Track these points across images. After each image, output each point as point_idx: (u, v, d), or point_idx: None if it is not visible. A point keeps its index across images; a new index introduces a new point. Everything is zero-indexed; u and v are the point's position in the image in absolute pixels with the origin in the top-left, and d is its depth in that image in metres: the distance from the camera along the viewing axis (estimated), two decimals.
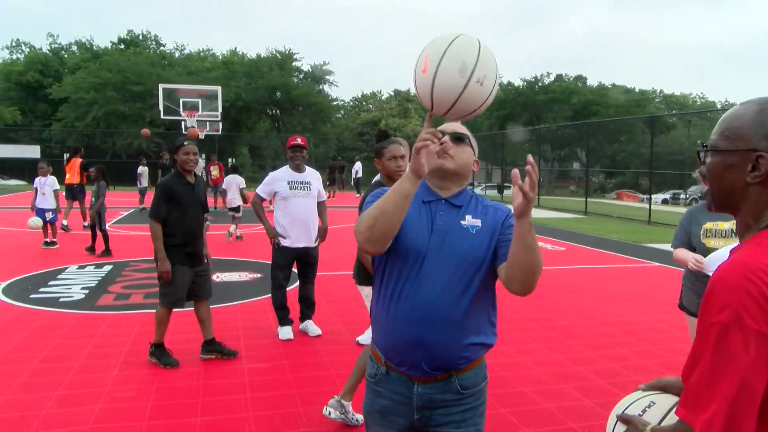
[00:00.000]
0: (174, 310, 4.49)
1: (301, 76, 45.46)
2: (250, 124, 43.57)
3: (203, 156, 23.34)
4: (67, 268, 8.18)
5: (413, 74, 1.67)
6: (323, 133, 43.94)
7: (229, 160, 31.82)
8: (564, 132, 42.08)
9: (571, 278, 8.34)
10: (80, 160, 12.21)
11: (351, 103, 56.65)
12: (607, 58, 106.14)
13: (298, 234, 5.12)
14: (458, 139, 1.86)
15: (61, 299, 6.38)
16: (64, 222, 10.41)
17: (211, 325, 4.66)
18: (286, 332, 5.15)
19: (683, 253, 3.37)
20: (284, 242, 5.11)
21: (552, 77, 50.31)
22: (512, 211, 1.75)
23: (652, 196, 19.43)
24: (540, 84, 49.02)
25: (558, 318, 6.06)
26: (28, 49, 50.72)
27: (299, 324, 5.37)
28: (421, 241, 1.80)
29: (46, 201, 9.92)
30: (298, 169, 5.21)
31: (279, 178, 5.17)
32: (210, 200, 18.99)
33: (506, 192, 30.80)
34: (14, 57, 50.48)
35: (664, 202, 30.55)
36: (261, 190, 5.22)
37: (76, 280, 7.36)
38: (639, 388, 1.51)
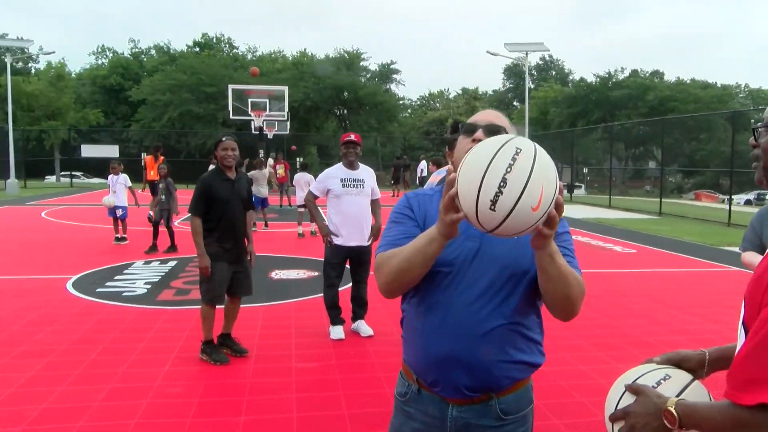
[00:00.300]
0: (217, 306, 4.50)
1: (368, 75, 45.74)
2: (318, 124, 44.18)
3: (272, 155, 23.88)
4: (133, 263, 8.44)
5: (507, 207, 1.26)
6: (389, 132, 44.04)
7: (298, 159, 32.40)
8: (638, 129, 40.43)
9: (640, 282, 7.91)
10: (162, 158, 12.85)
11: (418, 102, 56.56)
12: (686, 53, 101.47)
13: (351, 232, 5.04)
14: (493, 132, 1.58)
15: (124, 293, 6.56)
16: (150, 213, 10.74)
17: (233, 322, 4.68)
18: (337, 332, 5.09)
19: (752, 257, 3.03)
20: (336, 240, 5.05)
21: (627, 73, 48.53)
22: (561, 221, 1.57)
23: (735, 196, 18.34)
24: (614, 80, 47.35)
25: (623, 325, 5.73)
26: (111, 54, 53.31)
27: (351, 324, 5.29)
28: (455, 248, 1.59)
29: (118, 198, 10.26)
30: (351, 166, 5.13)
31: (332, 175, 5.11)
32: (276, 198, 19.39)
33: (576, 192, 29.91)
34: (99, 62, 53.16)
35: (748, 203, 28.84)
36: (314, 187, 5.17)
37: (141, 275, 7.57)
38: (652, 360, 1.39)
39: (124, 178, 10.41)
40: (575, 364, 4.56)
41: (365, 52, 47.04)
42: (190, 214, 4.39)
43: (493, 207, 1.25)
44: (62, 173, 38.67)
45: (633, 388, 1.27)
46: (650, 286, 7.68)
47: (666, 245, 11.61)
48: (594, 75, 52.02)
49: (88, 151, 32.55)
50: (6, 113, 26.50)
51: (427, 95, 57.02)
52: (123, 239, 10.34)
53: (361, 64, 44.73)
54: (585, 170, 38.02)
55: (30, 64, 49.53)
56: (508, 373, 1.60)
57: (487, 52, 25.71)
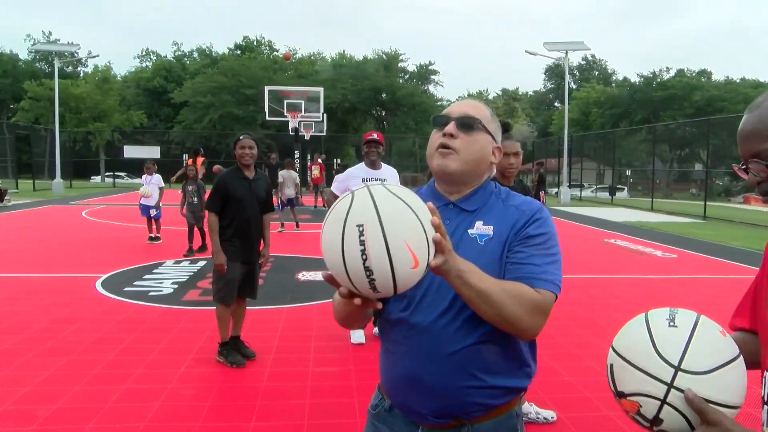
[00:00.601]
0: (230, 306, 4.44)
1: (406, 76, 45.65)
2: (356, 125, 44.30)
3: (309, 156, 24.06)
4: (164, 262, 8.50)
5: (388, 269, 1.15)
6: (427, 133, 43.67)
7: (335, 160, 32.51)
8: (684, 130, 39.26)
9: (679, 289, 7.57)
10: (202, 159, 13.02)
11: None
12: (736, 50, 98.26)
13: None
14: (465, 126, 1.45)
15: (150, 293, 6.58)
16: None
17: (241, 324, 4.62)
18: (357, 336, 4.97)
19: None
20: None
21: (672, 72, 47.21)
22: (538, 213, 1.44)
23: None
24: (659, 80, 46.12)
25: None
26: (155, 57, 54.56)
27: (373, 328, 5.17)
28: None
29: (151, 198, 10.34)
30: (374, 165, 5.01)
31: (353, 175, 5.00)
32: (311, 199, 19.44)
33: (619, 194, 29.18)
34: (143, 65, 54.49)
35: None
36: (335, 187, 5.07)
37: (169, 275, 7.61)
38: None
39: (157, 179, 10.56)
40: (604, 374, 4.33)
41: (404, 53, 46.96)
42: (206, 210, 4.39)
43: (375, 289, 1.16)
44: (106, 173, 39.72)
45: (698, 408, 1.03)
46: (689, 292, 7.34)
47: (709, 250, 11.14)
48: (638, 75, 50.82)
49: (131, 152, 33.31)
50: (57, 115, 27.32)
51: (465, 96, 56.63)
52: (156, 239, 10.46)
53: (400, 65, 44.66)
54: (628, 172, 37.12)
55: (78, 68, 51.05)
56: (480, 400, 1.42)
57: (526, 51, 25.31)
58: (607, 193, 28.49)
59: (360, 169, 5.02)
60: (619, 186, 31.91)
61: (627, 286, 7.65)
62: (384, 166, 5.09)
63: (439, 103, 48.45)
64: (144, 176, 10.74)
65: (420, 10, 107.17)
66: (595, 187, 31.94)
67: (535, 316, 1.34)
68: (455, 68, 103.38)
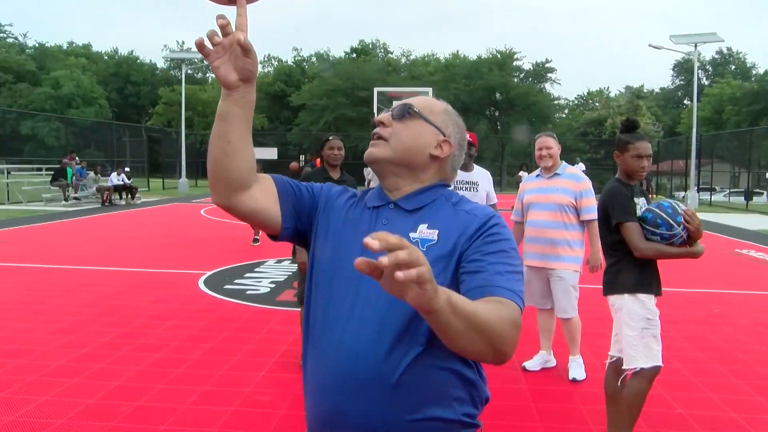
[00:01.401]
0: None
1: (521, 75, 44.45)
2: (468, 126, 43.40)
3: None
4: (266, 261, 8.66)
5: None
6: None
7: None
8: None
9: None
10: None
11: (575, 102, 53.93)
12: None
13: None
14: (399, 114, 1.35)
15: (248, 292, 6.68)
16: None
17: None
18: None
19: None
20: None
21: None
22: (494, 219, 1.27)
23: None
24: None
25: (749, 360, 4.70)
26: (276, 63, 56.97)
27: None
28: (350, 264, 1.16)
29: None
30: (465, 167, 4.71)
31: None
32: None
33: (756, 199, 26.62)
34: (265, 70, 57.02)
35: None
36: None
37: (269, 274, 7.71)
38: None
39: None
40: (725, 409, 3.77)
41: (519, 51, 45.64)
42: None
43: None
44: None
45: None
46: None
47: None
48: None
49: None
50: (183, 119, 29.22)
51: (585, 94, 54.23)
52: (255, 240, 10.40)
53: (514, 63, 43.53)
54: (767, 175, 33.79)
55: (207, 74, 54.33)
56: None
57: (650, 45, 23.66)
58: (742, 198, 26.04)
59: None
60: (757, 190, 29.10)
61: (759, 304, 6.79)
62: (476, 167, 4.78)
63: (555, 102, 46.77)
64: None
65: (536, 8, 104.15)
66: (728, 191, 29.36)
67: (516, 333, 1.12)
68: (574, 65, 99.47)
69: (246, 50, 1.19)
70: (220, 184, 1.29)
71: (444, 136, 1.36)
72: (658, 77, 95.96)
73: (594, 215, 4.10)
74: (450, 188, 1.41)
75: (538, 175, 4.41)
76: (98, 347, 4.66)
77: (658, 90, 55.67)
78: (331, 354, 1.25)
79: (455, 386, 1.25)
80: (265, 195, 1.35)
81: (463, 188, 4.64)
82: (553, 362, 4.49)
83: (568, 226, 4.14)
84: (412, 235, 1.27)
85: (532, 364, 4.42)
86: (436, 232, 1.27)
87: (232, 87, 1.23)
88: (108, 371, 4.17)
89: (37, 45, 56.75)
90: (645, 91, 50.89)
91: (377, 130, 1.37)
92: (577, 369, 4.23)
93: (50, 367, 4.20)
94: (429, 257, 1.11)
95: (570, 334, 4.28)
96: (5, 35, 55.41)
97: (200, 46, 1.15)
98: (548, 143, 4.27)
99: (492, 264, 1.20)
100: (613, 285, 3.05)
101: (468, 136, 4.77)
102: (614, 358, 3.18)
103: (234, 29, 1.19)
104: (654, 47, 23.92)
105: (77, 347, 4.63)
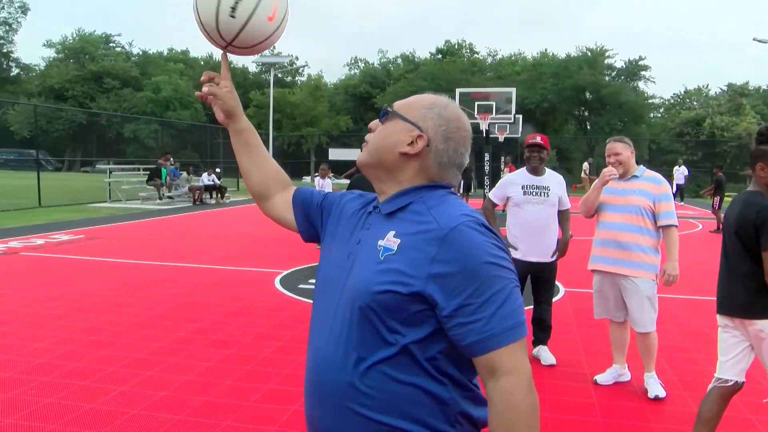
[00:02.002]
0: None
1: (612, 73, 42.74)
2: (555, 126, 42.56)
3: (505, 158, 23.56)
4: None
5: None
6: (635, 134, 40.58)
7: None
8: None
9: None
10: None
11: (671, 101, 51.28)
12: None
13: (531, 246, 4.48)
14: (381, 117, 1.38)
15: None
16: None
17: None
18: (546, 357, 4.58)
19: None
20: (515, 254, 4.53)
21: None
22: (452, 234, 1.16)
23: None
24: None
25: None
26: (362, 65, 57.69)
27: (532, 349, 4.73)
28: (336, 269, 1.31)
29: None
30: (536, 171, 4.56)
31: (513, 181, 4.61)
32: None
33: None
34: (352, 72, 57.88)
35: None
36: (493, 194, 4.72)
37: None
38: None
39: (329, 184, 10.63)
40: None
41: (611, 48, 43.83)
42: None
43: (233, 13, 1.38)
44: (315, 174, 43.00)
45: None
46: None
47: None
48: None
49: (335, 154, 35.57)
50: (272, 121, 30.19)
51: (681, 93, 51.44)
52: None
53: (606, 61, 41.91)
54: None
55: (296, 78, 55.79)
56: None
57: (754, 39, 22.11)
58: None
59: (520, 176, 4.61)
60: None
61: None
62: (548, 171, 4.62)
63: (650, 101, 44.68)
64: (317, 178, 10.83)
65: (629, 4, 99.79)
66: None
67: (526, 400, 1.13)
68: (670, 63, 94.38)
69: (214, 95, 1.52)
70: (256, 192, 1.66)
71: (420, 131, 1.30)
72: (765, 73, 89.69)
73: (673, 221, 3.86)
74: (440, 190, 1.30)
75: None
76: (173, 342, 4.87)
77: (765, 87, 51.95)
78: (310, 361, 1.30)
79: (421, 403, 1.19)
80: (284, 204, 1.61)
81: (533, 193, 4.50)
82: (627, 376, 4.26)
83: (644, 230, 3.88)
84: (380, 242, 1.24)
85: (605, 377, 4.21)
86: (398, 242, 1.21)
87: (224, 124, 1.57)
88: (180, 365, 4.34)
89: (140, 52, 60.37)
90: (750, 88, 47.63)
91: (366, 136, 1.39)
92: (657, 386, 3.96)
93: (129, 359, 4.43)
94: (384, 266, 1.19)
95: (646, 349, 4.01)
96: (114, 44, 59.29)
97: (202, 97, 1.53)
98: (616, 149, 3.98)
99: (468, 306, 1.13)
100: (761, 308, 2.76)
101: (539, 138, 4.63)
102: (730, 382, 2.93)
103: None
104: (759, 41, 22.34)
105: (154, 341, 4.86)
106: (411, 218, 1.25)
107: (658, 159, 36.35)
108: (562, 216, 4.62)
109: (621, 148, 3.97)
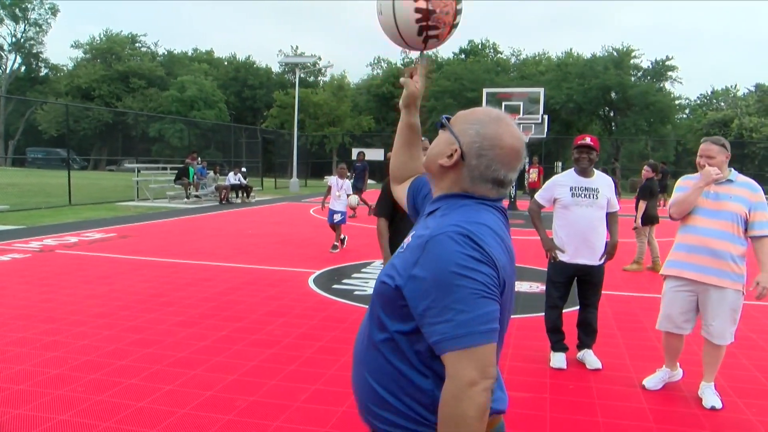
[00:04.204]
0: None
1: (639, 74, 42.22)
2: (580, 126, 42.13)
3: (531, 158, 23.37)
4: (373, 262, 8.75)
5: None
6: (662, 135, 40.09)
7: (556, 163, 31.23)
8: None
9: None
10: None
11: (698, 101, 50.51)
12: None
13: (579, 248, 4.41)
14: (438, 125, 1.52)
15: (355, 292, 6.77)
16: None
17: None
18: (558, 360, 4.51)
19: None
20: (561, 257, 4.47)
21: None
22: (429, 245, 1.30)
23: None
24: None
25: None
26: (385, 65, 57.65)
27: (576, 352, 4.66)
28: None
29: (340, 203, 9.77)
30: (585, 173, 4.49)
31: (560, 183, 4.54)
32: (526, 203, 18.81)
33: None
34: (374, 72, 57.89)
35: None
36: (540, 195, 4.66)
37: (376, 275, 7.76)
38: None
39: (348, 185, 10.07)
40: None
41: (637, 48, 43.28)
42: (374, 216, 4.35)
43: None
44: (332, 175, 43.13)
45: None
46: None
47: None
48: None
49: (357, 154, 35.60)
50: (296, 121, 30.32)
51: (709, 93, 50.67)
52: (335, 247, 9.73)
53: (632, 61, 41.41)
54: None
55: (319, 78, 55.97)
56: (379, 424, 1.39)
57: None
58: None
59: (568, 177, 4.54)
60: None
61: None
62: (597, 173, 4.54)
63: (677, 102, 44.05)
64: (334, 178, 10.09)
65: (654, 3, 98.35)
66: None
67: (465, 393, 1.23)
68: (698, 63, 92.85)
69: (406, 86, 1.78)
70: (396, 175, 1.91)
71: (459, 144, 1.41)
72: None
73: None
74: (466, 200, 1.41)
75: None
76: (216, 340, 4.89)
77: None
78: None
79: (405, 387, 1.35)
80: (404, 187, 1.84)
81: (582, 195, 4.43)
82: (679, 374, 4.16)
83: (736, 239, 3.67)
84: (405, 240, 1.44)
85: (654, 382, 4.11)
86: (409, 241, 1.39)
87: (400, 110, 1.80)
88: (225, 364, 4.35)
89: (166, 52, 61.01)
90: None
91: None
92: (714, 397, 3.83)
93: (174, 358, 4.45)
94: (392, 260, 1.40)
95: (715, 360, 3.87)
96: (140, 45, 59.99)
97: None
98: (710, 151, 3.73)
99: (430, 308, 1.27)
100: None
101: (588, 139, 4.54)
102: None
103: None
104: None
105: (198, 339, 4.88)
106: (428, 223, 1.41)
107: (684, 160, 35.78)
108: (611, 218, 4.55)
109: (716, 152, 3.73)
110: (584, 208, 4.41)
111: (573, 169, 4.57)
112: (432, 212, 1.43)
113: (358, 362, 1.45)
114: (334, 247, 9.75)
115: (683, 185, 3.87)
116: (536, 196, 4.69)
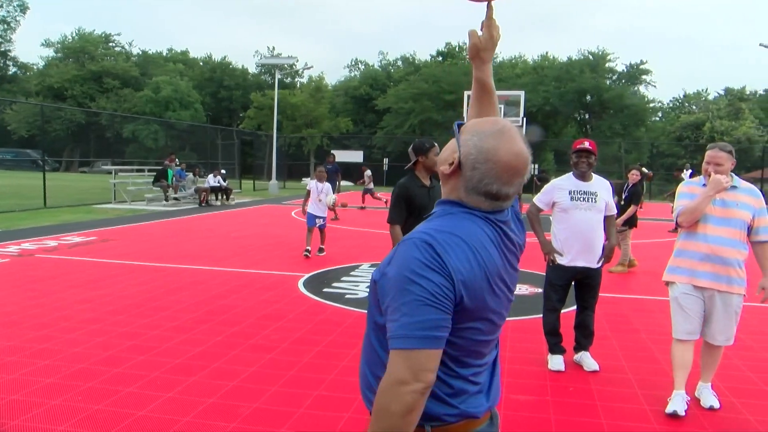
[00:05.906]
0: None
1: (614, 77, 42.88)
2: (556, 129, 42.68)
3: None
4: (360, 265, 8.73)
5: None
6: (636, 137, 40.71)
7: (533, 165, 31.57)
8: None
9: None
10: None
11: (670, 105, 51.45)
12: None
13: (578, 251, 4.46)
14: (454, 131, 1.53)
15: (347, 296, 6.74)
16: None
17: None
18: (556, 362, 4.54)
19: None
20: (560, 260, 4.50)
21: None
22: (398, 251, 1.39)
23: None
24: None
25: None
26: (363, 67, 57.67)
27: (574, 354, 4.70)
28: None
29: (320, 208, 9.51)
30: (583, 177, 4.53)
31: (559, 186, 4.58)
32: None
33: None
34: (352, 74, 57.85)
35: None
36: (539, 199, 4.68)
37: (365, 278, 7.76)
38: None
39: (328, 188, 9.74)
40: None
41: (612, 52, 43.96)
42: (389, 224, 4.31)
43: None
44: (311, 178, 42.97)
45: None
46: None
47: None
48: None
49: (336, 156, 35.51)
50: (276, 122, 30.13)
51: (681, 97, 51.63)
52: (320, 251, 9.62)
53: (607, 65, 42.05)
54: None
55: (296, 79, 55.74)
56: (370, 410, 1.42)
57: (761, 45, 22.17)
58: None
59: (567, 181, 4.57)
60: None
61: None
62: (596, 177, 4.59)
63: (651, 105, 44.80)
64: (313, 182, 9.68)
65: (633, 7, 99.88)
66: None
67: (386, 395, 1.30)
68: (671, 67, 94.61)
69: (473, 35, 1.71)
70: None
71: (458, 151, 1.43)
72: (762, 78, 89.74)
73: None
74: (455, 208, 1.45)
75: (704, 184, 3.78)
76: (213, 346, 4.82)
77: (762, 92, 52.23)
78: None
79: (380, 369, 1.39)
80: None
81: (581, 198, 4.47)
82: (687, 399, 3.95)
83: (740, 245, 3.68)
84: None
85: (681, 406, 3.73)
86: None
87: (470, 59, 1.74)
88: (224, 370, 4.30)
89: (140, 52, 60.19)
90: (748, 93, 47.80)
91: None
92: (712, 397, 3.87)
93: (171, 364, 4.38)
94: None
95: (715, 361, 3.91)
96: (114, 44, 59.10)
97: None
98: (719, 158, 3.70)
99: (386, 312, 1.36)
100: None
101: (587, 143, 4.57)
102: None
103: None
104: (765, 46, 22.39)
105: (194, 345, 4.82)
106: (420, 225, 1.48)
107: (657, 162, 36.37)
108: (608, 221, 4.60)
109: (725, 159, 3.71)
110: (583, 211, 4.45)
111: (572, 172, 4.60)
112: (429, 215, 1.51)
113: (362, 351, 1.55)
114: (320, 250, 9.64)
115: (687, 192, 3.83)
116: (535, 199, 4.72)
